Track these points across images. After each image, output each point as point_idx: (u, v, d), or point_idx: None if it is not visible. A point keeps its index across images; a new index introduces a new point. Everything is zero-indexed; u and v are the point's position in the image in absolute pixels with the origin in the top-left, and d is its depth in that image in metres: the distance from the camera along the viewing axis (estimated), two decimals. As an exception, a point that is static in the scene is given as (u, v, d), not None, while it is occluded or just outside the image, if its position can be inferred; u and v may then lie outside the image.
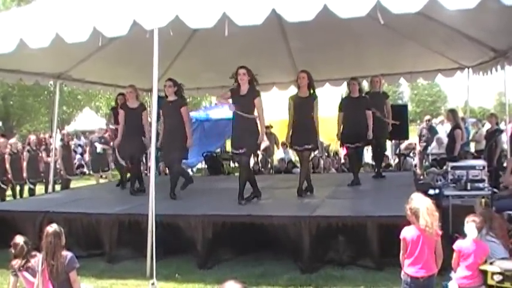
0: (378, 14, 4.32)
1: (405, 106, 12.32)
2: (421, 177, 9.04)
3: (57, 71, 8.92)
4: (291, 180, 7.93)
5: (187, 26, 4.84)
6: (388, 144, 10.89)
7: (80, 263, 3.91)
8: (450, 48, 8.24)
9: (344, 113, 7.31)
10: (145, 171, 9.99)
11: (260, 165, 12.88)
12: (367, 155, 11.25)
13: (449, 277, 3.83)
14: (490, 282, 3.75)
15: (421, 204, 3.35)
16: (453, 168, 6.35)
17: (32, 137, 11.29)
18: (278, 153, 13.97)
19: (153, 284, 4.51)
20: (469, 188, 5.99)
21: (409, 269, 3.40)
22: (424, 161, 12.32)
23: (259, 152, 11.40)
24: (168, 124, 6.76)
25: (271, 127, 13.04)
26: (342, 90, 11.38)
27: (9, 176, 9.73)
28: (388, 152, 12.02)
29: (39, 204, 6.83)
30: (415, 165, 12.22)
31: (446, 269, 3.79)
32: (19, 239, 3.94)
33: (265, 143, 11.86)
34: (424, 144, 12.37)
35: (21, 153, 10.31)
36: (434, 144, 11.72)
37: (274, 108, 10.89)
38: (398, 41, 7.98)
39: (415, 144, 12.98)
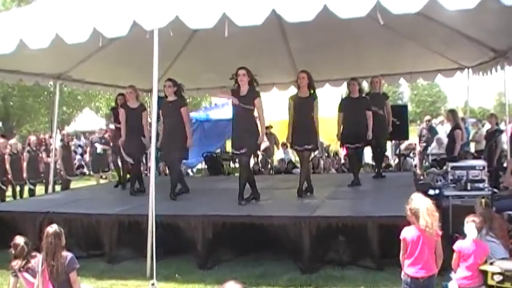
0: (377, 15, 4.32)
1: (405, 106, 12.30)
2: (421, 177, 9.04)
3: (57, 71, 8.93)
4: (291, 180, 7.93)
5: (187, 27, 4.84)
6: (388, 144, 10.89)
7: (80, 263, 3.90)
8: (450, 49, 8.24)
9: (344, 113, 7.30)
10: (145, 172, 10.00)
11: (260, 165, 12.87)
12: (367, 155, 11.24)
13: (449, 277, 3.83)
14: (490, 282, 3.76)
15: (421, 204, 3.35)
16: (453, 168, 6.35)
17: (32, 138, 11.30)
18: (278, 154, 13.96)
19: (153, 284, 4.51)
20: (469, 188, 5.99)
21: (409, 269, 3.40)
22: (424, 161, 12.30)
23: (259, 153, 11.40)
24: (167, 124, 6.75)
25: (271, 127, 13.02)
26: (342, 90, 11.35)
27: (9, 176, 9.74)
28: (388, 153, 12.00)
29: (39, 205, 6.82)
30: (415, 166, 12.19)
31: (446, 269, 3.79)
32: (19, 240, 3.94)
33: (265, 144, 11.88)
34: (424, 144, 12.34)
35: (21, 153, 10.32)
36: (434, 144, 11.71)
37: (274, 109, 10.86)
38: (398, 41, 7.98)
39: (415, 144, 12.95)
